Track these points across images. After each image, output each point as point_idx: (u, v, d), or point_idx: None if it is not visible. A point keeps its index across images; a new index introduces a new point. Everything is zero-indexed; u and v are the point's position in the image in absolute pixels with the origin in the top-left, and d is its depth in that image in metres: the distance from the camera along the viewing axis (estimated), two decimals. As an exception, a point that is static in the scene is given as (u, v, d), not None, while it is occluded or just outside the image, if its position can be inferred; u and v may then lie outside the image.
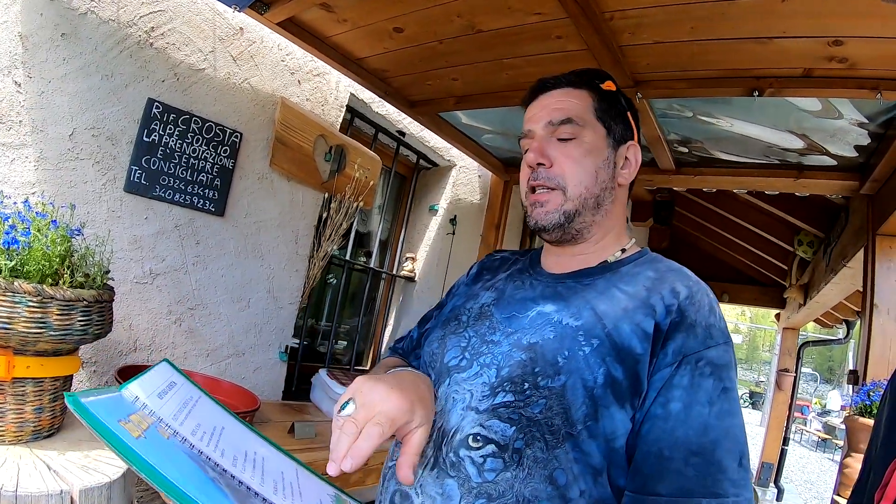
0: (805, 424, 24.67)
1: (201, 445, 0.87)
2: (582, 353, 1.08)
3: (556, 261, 1.34)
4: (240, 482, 0.84)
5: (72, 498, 1.29)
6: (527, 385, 1.08)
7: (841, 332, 7.83)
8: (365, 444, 0.91)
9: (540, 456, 1.03)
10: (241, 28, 2.79)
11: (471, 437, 1.07)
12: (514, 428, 1.06)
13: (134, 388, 0.93)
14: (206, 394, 1.14)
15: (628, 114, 1.33)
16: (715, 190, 4.01)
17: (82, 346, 1.84)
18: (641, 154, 1.35)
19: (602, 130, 1.27)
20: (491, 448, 1.05)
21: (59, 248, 1.60)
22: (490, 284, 1.40)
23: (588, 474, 1.02)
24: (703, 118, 2.91)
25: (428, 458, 1.10)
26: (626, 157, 1.31)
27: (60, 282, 1.60)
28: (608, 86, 1.32)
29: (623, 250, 1.30)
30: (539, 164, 1.25)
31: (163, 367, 1.11)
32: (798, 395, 9.89)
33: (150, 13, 2.41)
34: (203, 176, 2.70)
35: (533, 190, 1.27)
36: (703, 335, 1.07)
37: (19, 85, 2.07)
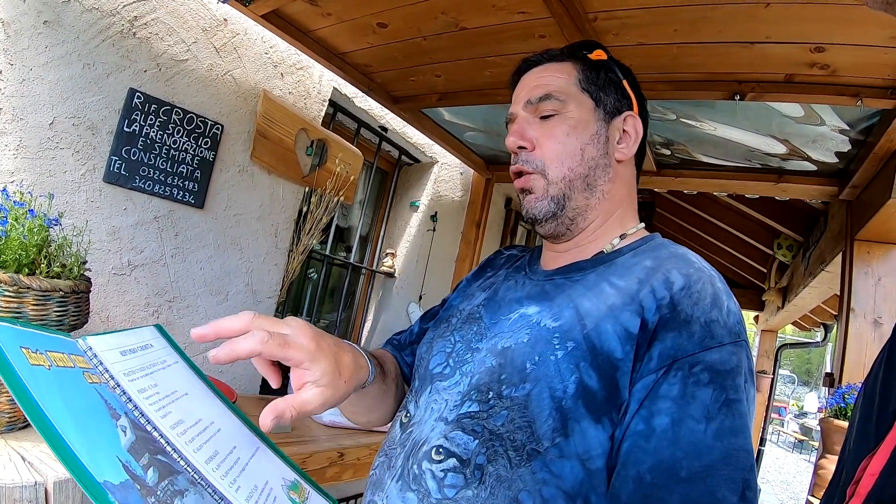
0: (782, 426, 25.02)
1: (143, 405, 0.86)
2: (553, 357, 0.96)
3: (552, 255, 1.22)
4: (167, 442, 0.83)
5: (46, 490, 1.28)
6: (491, 394, 0.98)
7: (819, 335, 7.88)
8: (231, 323, 0.87)
9: (503, 474, 0.92)
10: (224, 19, 2.77)
11: (434, 449, 0.99)
12: (476, 441, 0.96)
13: (93, 339, 0.91)
14: (191, 363, 1.13)
15: (625, 83, 1.22)
16: (696, 192, 4.04)
17: (58, 337, 1.82)
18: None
19: (589, 103, 1.16)
20: (452, 462, 0.96)
21: (36, 237, 1.59)
22: (487, 284, 1.30)
23: (560, 499, 0.89)
24: (686, 121, 2.93)
25: (397, 469, 1.03)
26: (623, 130, 1.18)
27: (37, 272, 1.59)
28: (598, 55, 1.21)
29: (623, 236, 1.17)
30: (521, 148, 1.16)
31: (147, 329, 1.09)
32: (776, 397, 9.98)
33: (134, 2, 2.39)
34: (183, 167, 2.68)
35: (519, 175, 1.18)
36: (700, 334, 0.90)
37: (0, 72, 2.05)
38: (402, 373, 1.39)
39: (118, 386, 0.86)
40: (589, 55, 1.21)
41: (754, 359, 8.65)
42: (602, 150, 1.15)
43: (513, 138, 1.17)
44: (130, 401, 0.85)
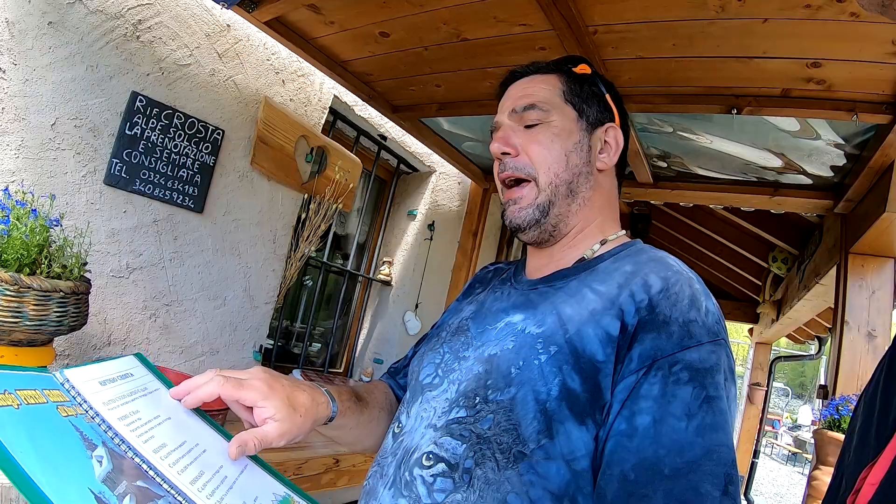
0: (776, 438, 24.96)
1: (124, 431, 0.87)
2: (537, 361, 0.98)
3: (536, 264, 1.25)
4: (149, 467, 0.84)
5: (42, 488, 1.29)
6: (478, 399, 1.00)
7: (813, 348, 7.88)
8: (198, 379, 0.99)
9: (491, 477, 0.93)
10: (228, 25, 2.79)
11: (425, 455, 1.01)
12: (464, 446, 0.98)
13: (71, 372, 0.93)
14: (171, 387, 1.13)
15: (607, 96, 1.25)
16: (692, 205, 4.06)
17: (56, 338, 1.83)
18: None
19: (572, 113, 1.19)
20: (441, 467, 0.98)
21: (37, 237, 1.60)
22: (475, 298, 1.33)
23: (547, 500, 0.91)
24: (682, 134, 2.95)
25: (389, 477, 1.05)
26: (604, 141, 1.22)
27: (38, 272, 1.60)
28: (582, 69, 1.25)
29: (604, 242, 1.19)
30: (505, 154, 1.19)
31: (127, 359, 1.10)
32: (770, 410, 9.97)
33: (138, 6, 2.41)
34: (184, 172, 2.69)
35: (505, 184, 1.22)
36: (679, 334, 0.92)
37: (4, 72, 2.06)
38: (397, 397, 1.43)
39: (97, 415, 0.87)
40: (573, 69, 1.25)
41: (748, 371, 8.65)
42: (585, 158, 1.19)
43: (497, 143, 1.20)
44: (110, 429, 0.86)
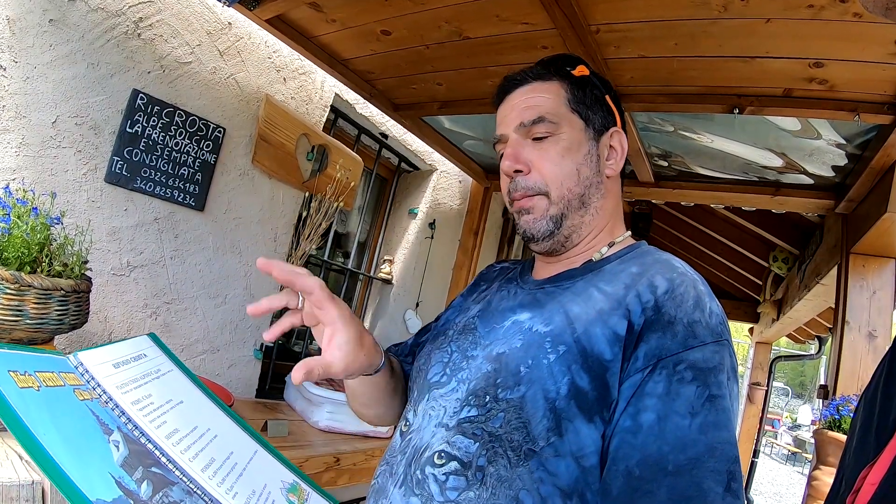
0: (776, 438, 25.02)
1: (137, 417, 0.88)
2: (546, 361, 0.99)
3: (544, 266, 1.26)
4: (161, 454, 0.85)
5: (43, 489, 1.29)
6: (488, 398, 1.02)
7: (813, 348, 7.87)
8: (299, 270, 1.03)
9: (504, 474, 0.95)
10: (229, 23, 2.78)
11: (436, 454, 1.02)
12: (476, 444, 0.99)
13: (85, 354, 0.94)
14: (186, 370, 1.14)
15: (607, 98, 1.24)
16: (693, 204, 4.05)
17: (57, 336, 1.83)
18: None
19: (579, 123, 1.18)
20: (454, 465, 0.99)
21: (38, 236, 1.60)
22: (481, 297, 1.34)
23: (556, 497, 0.93)
24: (683, 133, 2.94)
25: (399, 476, 1.06)
26: (610, 147, 1.23)
27: (39, 270, 1.60)
28: (580, 71, 1.23)
29: (612, 244, 1.21)
30: (517, 172, 1.18)
31: (140, 339, 1.11)
32: (769, 409, 9.97)
33: (140, 3, 2.40)
34: (185, 170, 2.69)
35: (515, 197, 1.20)
36: (683, 334, 0.94)
37: (4, 69, 2.06)
38: (405, 373, 1.44)
39: (111, 400, 0.88)
40: (572, 71, 1.23)
41: (748, 371, 8.63)
42: (595, 168, 1.19)
43: (508, 162, 1.18)
44: (123, 414, 0.87)
